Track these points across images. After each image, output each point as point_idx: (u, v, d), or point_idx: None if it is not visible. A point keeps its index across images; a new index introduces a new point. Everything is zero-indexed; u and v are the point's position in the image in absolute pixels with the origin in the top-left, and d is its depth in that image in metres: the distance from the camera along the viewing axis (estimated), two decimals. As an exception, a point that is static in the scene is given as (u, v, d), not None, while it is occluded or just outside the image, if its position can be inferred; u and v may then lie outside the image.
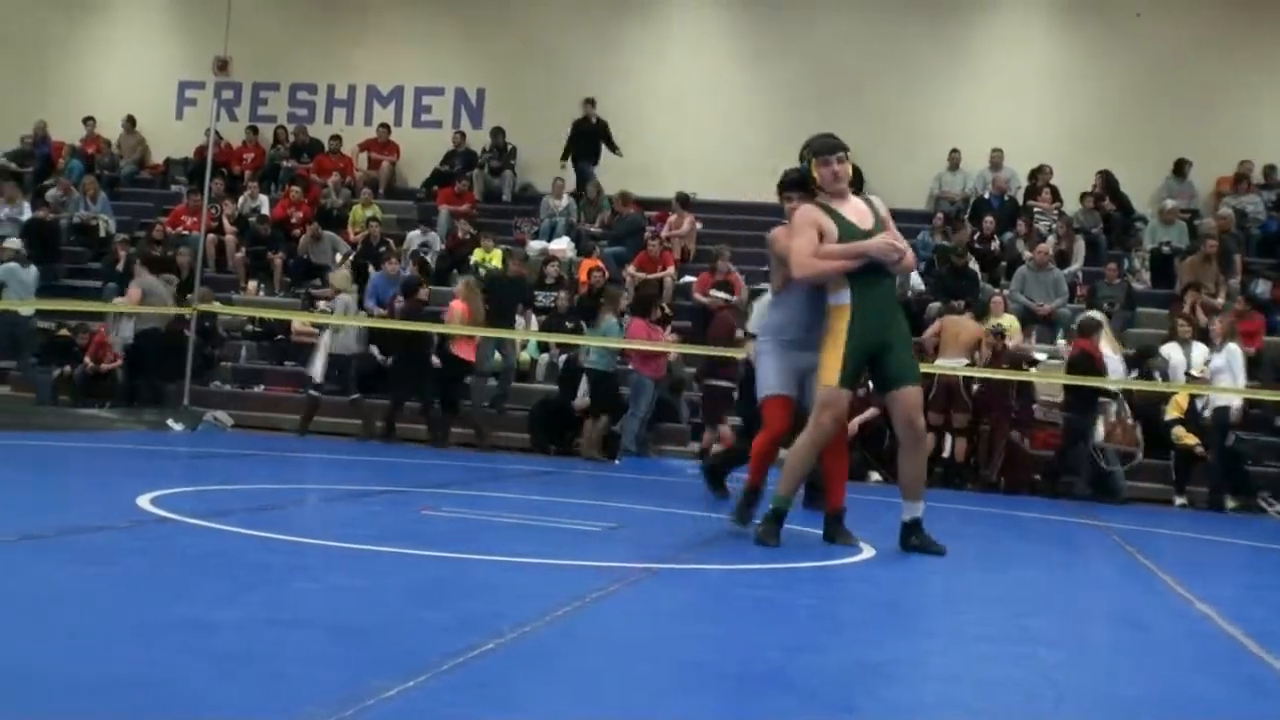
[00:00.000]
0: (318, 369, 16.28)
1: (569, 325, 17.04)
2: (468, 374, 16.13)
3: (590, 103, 21.63)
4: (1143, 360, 15.75)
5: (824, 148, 7.82)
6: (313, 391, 16.27)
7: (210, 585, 5.24)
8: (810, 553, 7.54)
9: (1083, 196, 20.26)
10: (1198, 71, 21.17)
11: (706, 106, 22.34)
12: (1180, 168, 20.63)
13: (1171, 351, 15.84)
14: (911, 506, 7.81)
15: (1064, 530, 11.44)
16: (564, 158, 21.70)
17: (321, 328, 16.81)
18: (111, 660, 3.81)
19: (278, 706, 3.40)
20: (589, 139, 21.68)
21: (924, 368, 14.70)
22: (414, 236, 20.46)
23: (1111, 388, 14.87)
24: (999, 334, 15.43)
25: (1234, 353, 14.57)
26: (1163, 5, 21.53)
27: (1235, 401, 14.53)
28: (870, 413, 15.02)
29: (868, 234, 7.59)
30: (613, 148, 21.57)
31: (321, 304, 18.28)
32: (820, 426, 7.54)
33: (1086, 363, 14.75)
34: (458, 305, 16.17)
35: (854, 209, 7.72)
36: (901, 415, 7.72)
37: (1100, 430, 14.78)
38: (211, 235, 20.08)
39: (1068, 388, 14.90)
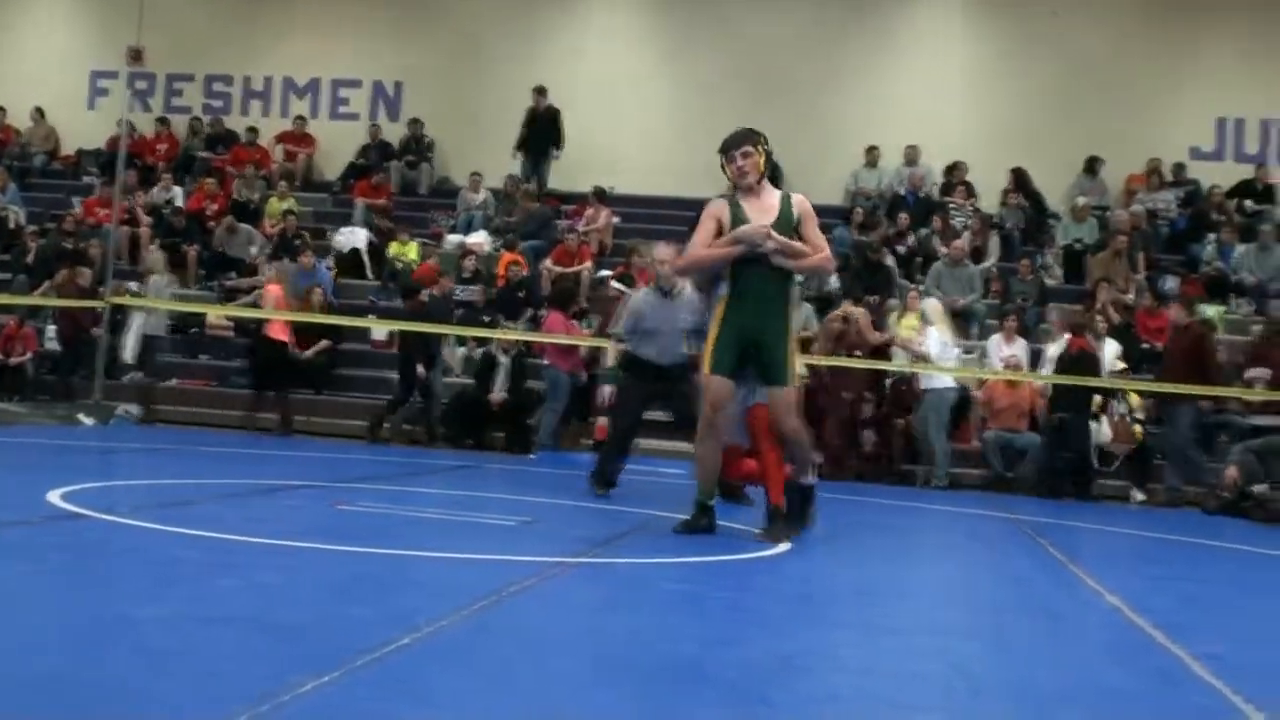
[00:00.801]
0: (129, 349, 16.76)
1: (486, 319, 16.98)
2: (286, 356, 16.25)
3: (540, 91, 21.48)
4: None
5: (727, 144, 7.87)
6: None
7: (130, 582, 5.20)
8: (727, 546, 7.57)
9: (1004, 194, 20.46)
10: (1111, 70, 21.43)
11: (625, 101, 22.33)
12: (1092, 165, 20.88)
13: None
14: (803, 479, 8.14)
15: (976, 524, 11.56)
16: (517, 148, 21.52)
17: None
18: (38, 657, 3.79)
19: (198, 702, 3.39)
20: (542, 128, 21.55)
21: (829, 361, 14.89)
22: (342, 238, 20.22)
23: (1103, 386, 14.95)
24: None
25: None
26: (1078, 5, 21.76)
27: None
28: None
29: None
30: (559, 140, 21.50)
31: (133, 285, 18.45)
32: (703, 415, 7.76)
33: (1089, 362, 14.88)
34: (273, 289, 16.48)
35: (760, 205, 7.74)
36: (771, 416, 7.93)
37: (1107, 431, 14.92)
38: (125, 227, 19.85)
39: (1063, 386, 14.88)
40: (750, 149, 7.80)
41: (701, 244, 7.68)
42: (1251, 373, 14.90)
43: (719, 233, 7.66)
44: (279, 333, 16.07)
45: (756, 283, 7.64)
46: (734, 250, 7.57)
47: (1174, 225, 20.23)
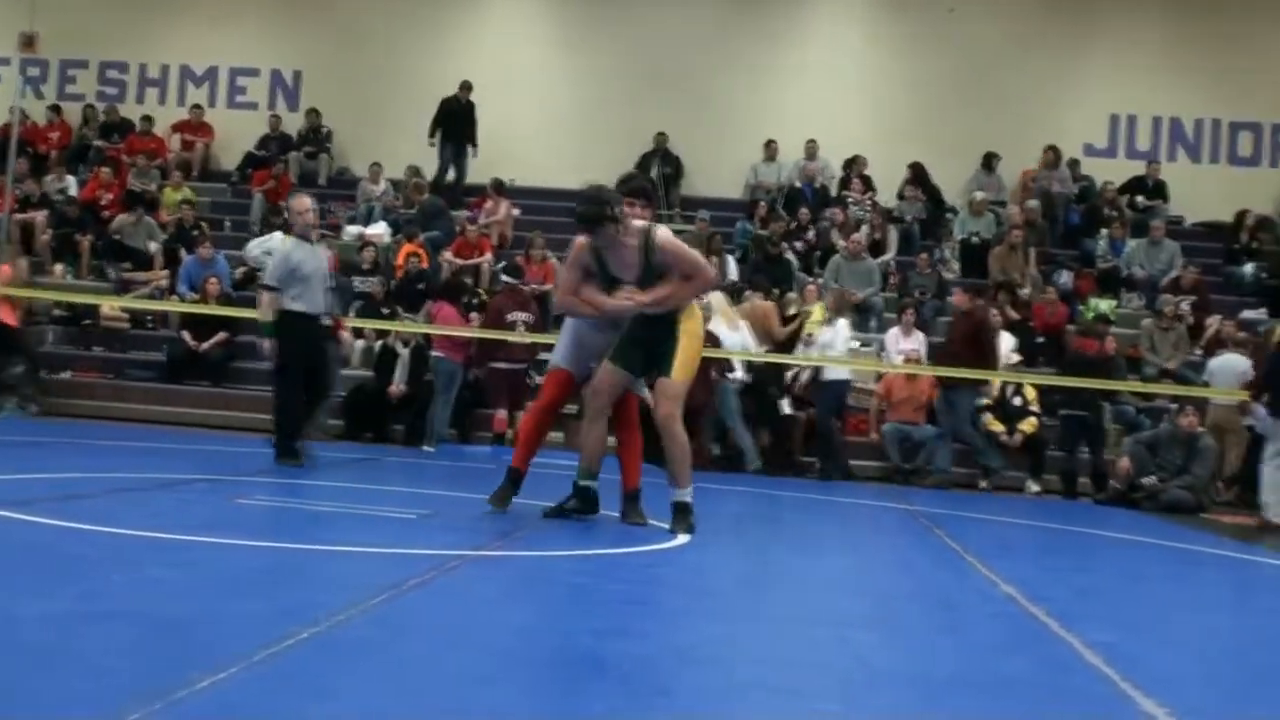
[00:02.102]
0: None
1: (385, 311, 16.86)
2: (13, 340, 16.08)
3: (465, 87, 21.24)
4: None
5: (621, 194, 8.10)
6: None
7: (18, 577, 5.12)
8: (625, 538, 7.59)
9: (903, 186, 20.64)
10: (1007, 66, 21.68)
11: (525, 93, 22.23)
12: (989, 161, 21.13)
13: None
14: (676, 491, 8.11)
15: (875, 514, 11.68)
16: (431, 135, 21.29)
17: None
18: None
19: (87, 700, 3.34)
20: (457, 120, 21.34)
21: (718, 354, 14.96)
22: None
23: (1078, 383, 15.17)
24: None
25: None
26: (975, 1, 22.00)
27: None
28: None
29: (625, 282, 7.87)
30: (473, 136, 21.33)
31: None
32: (590, 400, 8.20)
33: (1105, 364, 15.10)
34: (5, 269, 16.33)
35: (623, 259, 7.89)
36: (654, 402, 8.21)
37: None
38: (18, 216, 19.49)
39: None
40: (645, 204, 8.21)
41: (570, 287, 8.10)
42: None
43: (589, 272, 7.96)
44: (7, 316, 15.96)
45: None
46: (606, 312, 7.96)
47: (1067, 220, 20.50)
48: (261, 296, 11.16)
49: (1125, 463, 13.95)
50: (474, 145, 21.42)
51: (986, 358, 14.85)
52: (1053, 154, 20.82)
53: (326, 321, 11.32)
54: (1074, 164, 21.16)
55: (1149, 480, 13.81)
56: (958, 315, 15.61)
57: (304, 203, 11.32)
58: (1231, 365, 15.40)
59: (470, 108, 21.30)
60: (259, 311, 11.22)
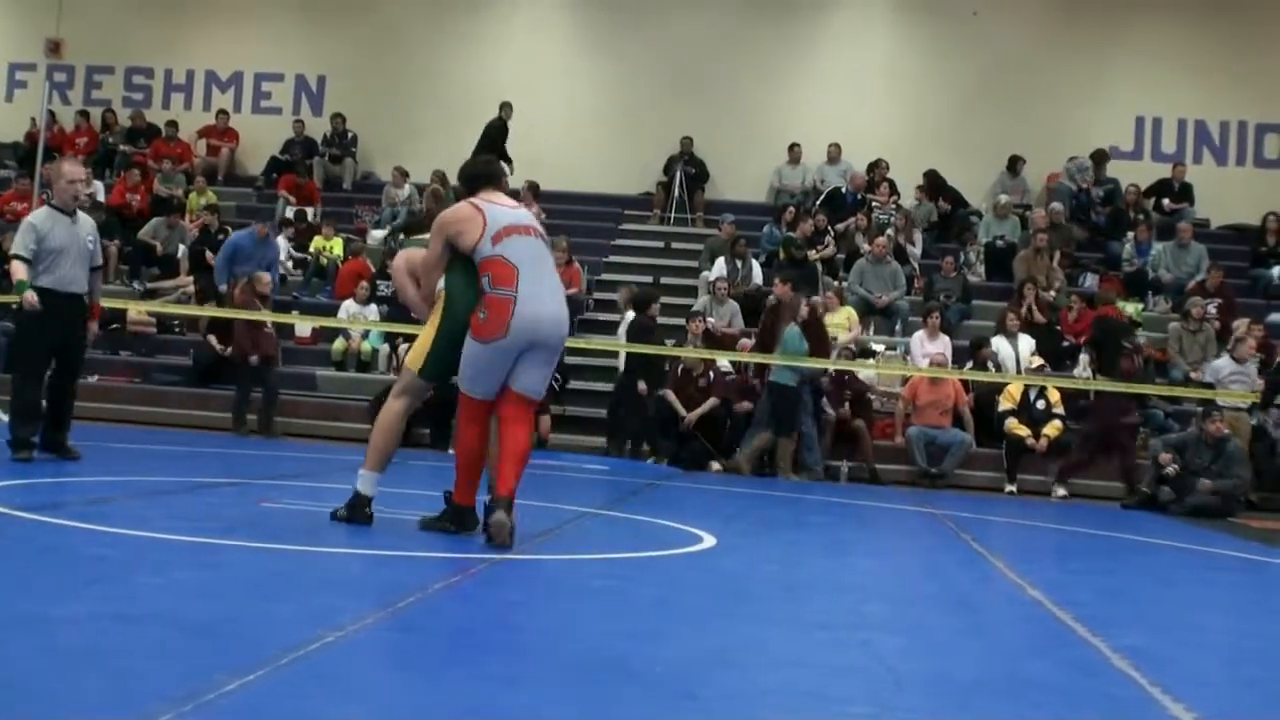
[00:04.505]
0: None
1: (412, 316, 16.87)
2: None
3: (505, 106, 21.18)
4: (975, 352, 16.07)
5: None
6: None
7: (48, 580, 5.14)
8: (652, 542, 7.59)
9: (917, 192, 20.60)
10: (1032, 69, 21.62)
11: (551, 97, 22.24)
12: (1014, 164, 21.07)
13: (1000, 344, 16.26)
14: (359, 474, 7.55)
15: (901, 518, 11.65)
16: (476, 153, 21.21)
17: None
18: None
19: (119, 702, 3.36)
20: (496, 141, 21.07)
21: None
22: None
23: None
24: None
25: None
26: (999, 5, 21.96)
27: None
28: (710, 403, 15.17)
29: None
30: (505, 154, 21.07)
31: None
32: None
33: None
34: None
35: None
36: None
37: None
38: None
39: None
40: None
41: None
42: None
43: None
44: None
45: None
46: None
47: (1094, 219, 20.37)
48: (12, 266, 9.83)
49: (1166, 454, 13.85)
50: (509, 162, 21.17)
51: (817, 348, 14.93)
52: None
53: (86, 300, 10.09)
54: (1101, 156, 20.90)
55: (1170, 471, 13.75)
56: (767, 309, 15.42)
57: (76, 171, 10.09)
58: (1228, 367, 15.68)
59: (505, 128, 21.14)
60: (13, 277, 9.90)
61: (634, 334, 15.57)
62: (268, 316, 16.31)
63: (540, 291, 7.09)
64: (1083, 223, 20.25)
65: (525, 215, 7.40)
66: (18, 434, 9.79)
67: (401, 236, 19.10)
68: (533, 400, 7.21)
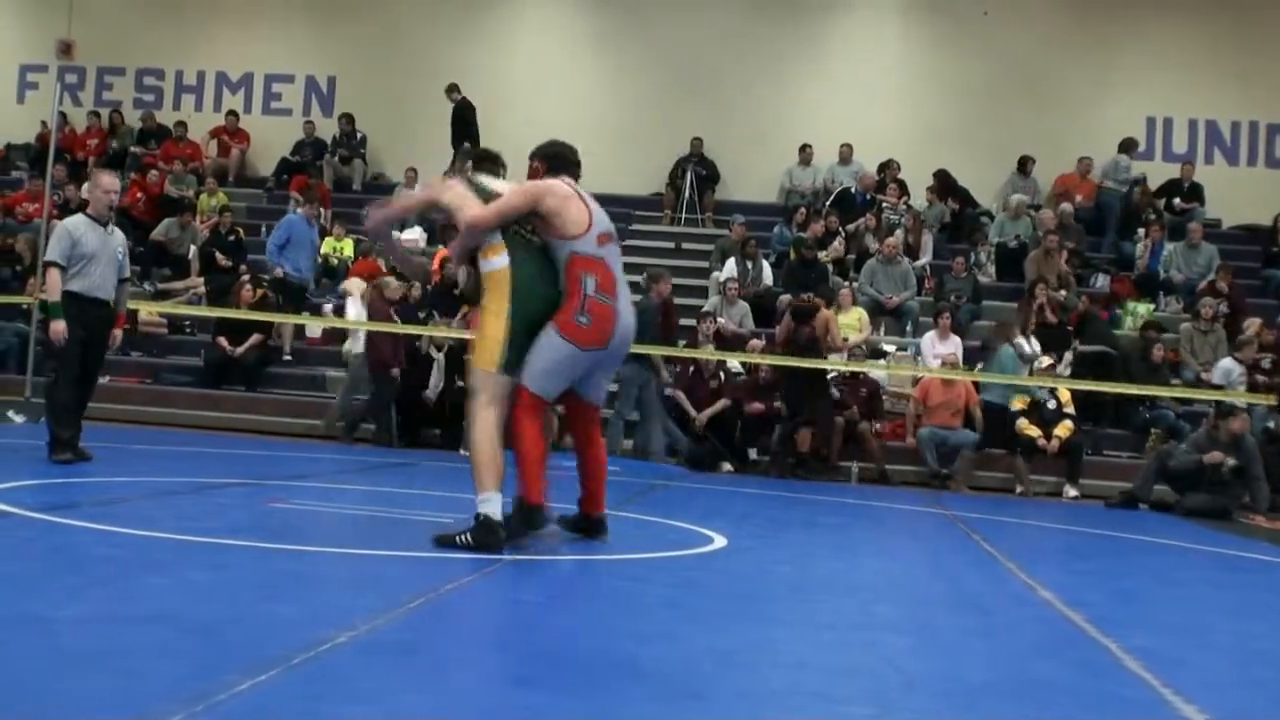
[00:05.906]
0: None
1: (420, 315, 16.89)
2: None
3: (453, 89, 21.25)
4: (986, 352, 16.05)
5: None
6: None
7: (57, 581, 5.14)
8: (663, 543, 7.59)
9: (927, 193, 20.56)
10: (1042, 69, 21.58)
11: (559, 99, 22.22)
12: (1024, 164, 21.03)
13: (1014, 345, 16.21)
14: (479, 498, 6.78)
15: (912, 519, 11.64)
16: (453, 144, 21.26)
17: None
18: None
19: (128, 703, 3.36)
20: (460, 126, 21.26)
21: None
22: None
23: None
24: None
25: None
26: (1010, 5, 21.93)
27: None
28: (721, 404, 15.17)
29: None
30: (474, 136, 21.06)
31: None
32: None
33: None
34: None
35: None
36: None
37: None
38: (56, 221, 19.56)
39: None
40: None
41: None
42: None
43: None
44: None
45: None
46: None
47: (1108, 217, 20.33)
48: (49, 274, 10.03)
49: (1217, 455, 13.71)
50: (474, 137, 21.03)
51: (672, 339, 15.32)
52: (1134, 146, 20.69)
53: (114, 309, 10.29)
54: (1131, 144, 20.77)
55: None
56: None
57: (113, 182, 10.33)
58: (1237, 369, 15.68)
59: (466, 109, 21.13)
60: (46, 292, 10.15)
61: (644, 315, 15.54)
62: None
63: (627, 307, 7.10)
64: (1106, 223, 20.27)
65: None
66: (57, 435, 9.97)
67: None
68: (599, 409, 7.34)
